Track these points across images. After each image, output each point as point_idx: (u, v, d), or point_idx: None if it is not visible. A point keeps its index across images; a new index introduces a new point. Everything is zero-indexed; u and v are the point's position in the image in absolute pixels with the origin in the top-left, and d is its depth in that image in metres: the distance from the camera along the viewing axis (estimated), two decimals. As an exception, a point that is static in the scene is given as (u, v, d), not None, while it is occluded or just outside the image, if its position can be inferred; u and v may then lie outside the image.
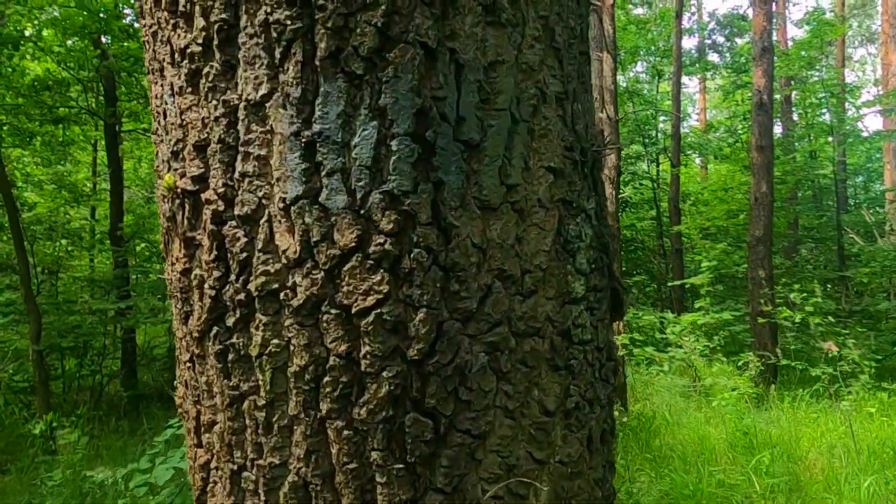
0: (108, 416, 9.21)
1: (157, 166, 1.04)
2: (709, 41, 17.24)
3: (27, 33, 9.58)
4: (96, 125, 13.23)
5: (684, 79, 15.96)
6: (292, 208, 0.83)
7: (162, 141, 0.99)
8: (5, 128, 11.27)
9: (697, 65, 16.95)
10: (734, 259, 13.60)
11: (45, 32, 10.32)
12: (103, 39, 10.21)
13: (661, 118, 15.67)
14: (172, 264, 0.98)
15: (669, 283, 13.25)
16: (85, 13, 8.82)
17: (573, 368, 0.95)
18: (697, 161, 19.06)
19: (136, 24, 9.78)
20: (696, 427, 6.22)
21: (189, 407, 1.00)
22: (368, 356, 0.83)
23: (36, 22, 11.30)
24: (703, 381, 8.38)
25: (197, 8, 0.86)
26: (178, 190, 0.91)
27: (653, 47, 14.97)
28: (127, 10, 9.74)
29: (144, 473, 4.10)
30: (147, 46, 1.02)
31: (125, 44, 10.19)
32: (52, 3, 11.95)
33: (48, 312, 10.65)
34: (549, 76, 0.92)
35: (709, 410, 7.14)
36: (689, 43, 20.05)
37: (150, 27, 0.97)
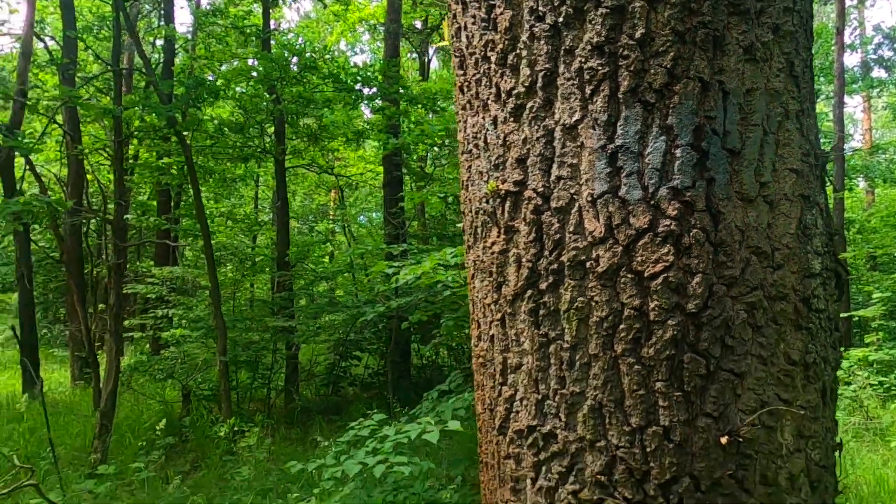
0: (278, 425, 10.09)
1: (466, 179, 1.41)
2: (874, 56, 16.11)
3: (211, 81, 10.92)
4: (258, 163, 14.70)
5: (845, 98, 15.01)
6: (598, 201, 1.14)
7: (477, 158, 1.35)
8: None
9: (861, 83, 15.88)
10: (910, 290, 12.50)
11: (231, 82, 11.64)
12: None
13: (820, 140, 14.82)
14: (488, 247, 1.32)
15: (833, 315, 12.34)
16: (267, 63, 9.96)
17: (812, 330, 1.18)
18: (861, 185, 17.76)
19: (303, 72, 10.90)
20: (872, 469, 5.87)
21: (495, 355, 1.34)
22: (656, 309, 1.12)
23: (218, 71, 12.86)
24: (878, 419, 7.81)
25: (523, 61, 1.22)
26: (502, 192, 1.26)
27: (809, 67, 14.26)
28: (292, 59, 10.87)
29: (332, 468, 4.61)
30: (465, 91, 1.39)
31: (294, 88, 11.36)
32: (236, 55, 13.53)
33: (229, 329, 11.87)
34: (790, 98, 1.18)
35: (886, 452, 6.68)
36: (850, 60, 18.81)
37: (474, 75, 1.34)
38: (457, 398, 5.28)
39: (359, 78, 11.99)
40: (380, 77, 11.96)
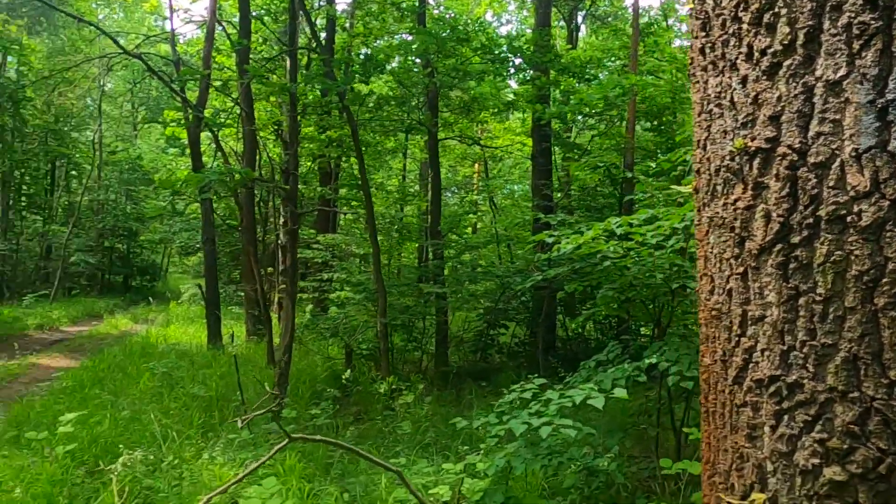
0: (431, 386, 10.57)
1: (704, 139, 1.46)
2: None
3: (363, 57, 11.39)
4: (407, 136, 15.18)
5: None
6: (864, 156, 1.16)
7: (720, 117, 1.40)
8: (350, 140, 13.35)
9: None
10: None
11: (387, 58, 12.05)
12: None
13: None
14: (730, 203, 1.37)
15: None
16: (425, 36, 10.21)
17: None
18: None
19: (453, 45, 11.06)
20: None
21: (732, 308, 1.39)
22: (926, 263, 1.12)
23: (374, 47, 13.39)
24: None
25: (782, 20, 1.24)
26: (752, 149, 1.30)
27: None
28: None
29: (497, 426, 4.81)
30: (706, 52, 1.44)
31: (447, 61, 11.56)
32: (391, 32, 14.02)
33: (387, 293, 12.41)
34: None
35: None
36: None
37: (720, 36, 1.38)
38: (616, 368, 5.29)
39: (507, 49, 12.00)
40: (531, 47, 11.90)
